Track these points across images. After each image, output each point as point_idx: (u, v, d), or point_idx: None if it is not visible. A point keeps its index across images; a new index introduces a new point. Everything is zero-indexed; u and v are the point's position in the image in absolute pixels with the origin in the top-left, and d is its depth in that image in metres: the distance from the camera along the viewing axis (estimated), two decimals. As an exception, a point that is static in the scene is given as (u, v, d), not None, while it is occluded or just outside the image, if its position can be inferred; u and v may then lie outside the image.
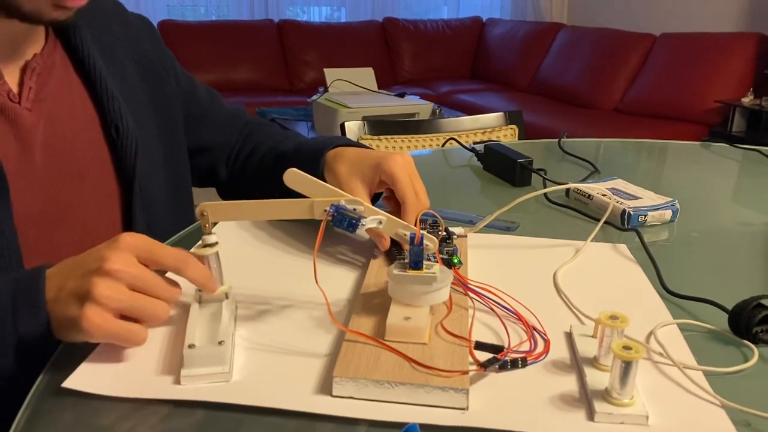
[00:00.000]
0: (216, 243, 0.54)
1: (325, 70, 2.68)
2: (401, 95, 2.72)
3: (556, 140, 1.19)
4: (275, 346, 0.52)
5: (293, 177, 0.58)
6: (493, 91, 4.03)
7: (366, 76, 2.72)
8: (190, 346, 0.47)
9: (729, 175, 1.10)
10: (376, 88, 2.71)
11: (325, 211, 0.54)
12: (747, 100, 2.83)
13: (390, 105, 2.46)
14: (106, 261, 0.46)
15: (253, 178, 0.86)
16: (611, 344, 0.46)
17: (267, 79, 3.97)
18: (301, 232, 0.73)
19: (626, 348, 0.44)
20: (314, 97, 2.61)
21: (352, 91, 2.62)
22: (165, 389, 0.46)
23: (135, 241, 0.48)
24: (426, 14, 4.77)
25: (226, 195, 0.92)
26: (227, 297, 0.55)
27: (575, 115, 3.35)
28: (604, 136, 2.88)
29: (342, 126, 1.25)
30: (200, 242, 0.55)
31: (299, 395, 0.46)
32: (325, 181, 0.68)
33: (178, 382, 0.46)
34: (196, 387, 0.46)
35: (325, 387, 0.46)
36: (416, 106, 2.52)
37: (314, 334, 0.53)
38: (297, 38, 4.10)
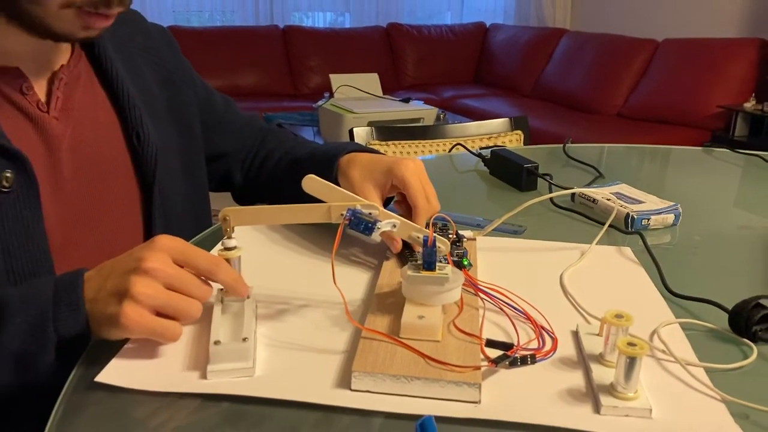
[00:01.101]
0: (237, 248, 0.57)
1: (330, 76, 2.71)
2: (406, 100, 2.75)
3: (561, 145, 1.21)
4: (295, 343, 0.54)
5: (311, 183, 0.60)
6: (496, 96, 4.06)
7: (371, 81, 2.74)
8: (216, 343, 0.50)
9: (730, 180, 1.12)
10: (381, 94, 2.74)
11: (342, 215, 0.57)
12: (749, 105, 2.86)
13: (395, 110, 2.48)
14: (143, 261, 0.49)
15: (267, 183, 0.88)
16: (616, 341, 0.48)
17: (272, 84, 4.01)
18: (315, 236, 0.75)
19: (631, 345, 0.46)
20: (320, 103, 2.64)
21: (357, 96, 2.65)
22: (192, 383, 0.48)
23: (171, 243, 0.51)
24: (430, 19, 4.81)
25: (240, 199, 0.95)
26: (248, 297, 0.57)
27: (578, 120, 3.38)
28: (607, 141, 2.91)
29: (351, 132, 1.28)
30: (221, 245, 0.57)
31: (319, 389, 0.48)
32: (338, 185, 0.71)
33: (204, 376, 0.49)
34: (221, 381, 0.49)
35: (344, 381, 0.49)
36: (421, 111, 2.55)
37: (332, 332, 0.56)
38: (302, 44, 4.14)
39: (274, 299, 0.61)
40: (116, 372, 0.49)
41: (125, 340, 0.52)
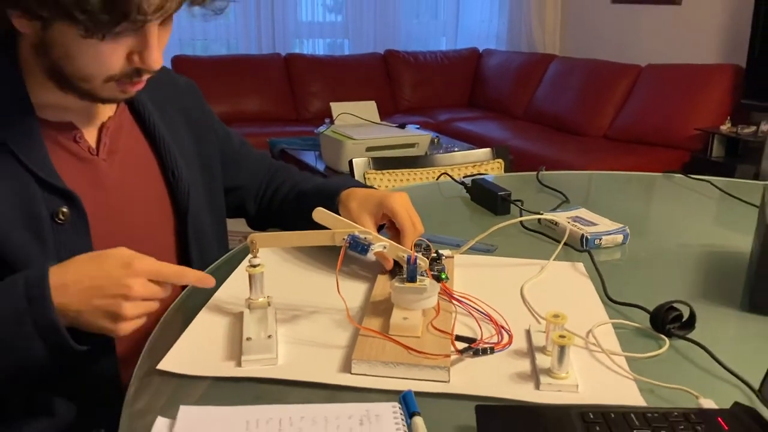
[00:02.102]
0: (261, 265, 0.72)
1: (331, 104, 2.87)
2: (402, 126, 2.91)
3: (535, 173, 1.37)
4: (307, 339, 0.70)
5: (319, 214, 0.76)
6: (489, 119, 4.23)
7: (369, 109, 2.91)
8: (248, 339, 0.65)
9: (679, 203, 1.28)
10: (378, 120, 2.90)
11: (344, 239, 0.73)
12: (725, 127, 3.02)
13: (391, 136, 2.64)
14: (130, 289, 0.64)
15: (278, 212, 1.04)
16: (552, 335, 0.64)
17: (275, 110, 4.18)
18: (322, 256, 0.91)
19: (561, 337, 0.62)
20: (321, 129, 2.80)
21: (356, 123, 2.81)
22: (231, 370, 0.64)
23: (146, 267, 0.66)
24: (425, 46, 5.00)
25: (254, 226, 1.10)
26: (269, 304, 0.73)
27: (567, 142, 3.54)
28: (594, 162, 3.08)
29: (350, 163, 1.44)
30: (248, 263, 0.73)
31: (327, 373, 0.63)
32: (339, 215, 0.86)
33: (239, 365, 0.64)
34: (252, 368, 0.64)
35: (346, 367, 0.64)
36: (416, 136, 2.70)
37: (336, 331, 0.71)
38: (303, 70, 4.32)
39: (289, 306, 0.76)
40: (172, 361, 0.65)
41: (174, 339, 0.68)
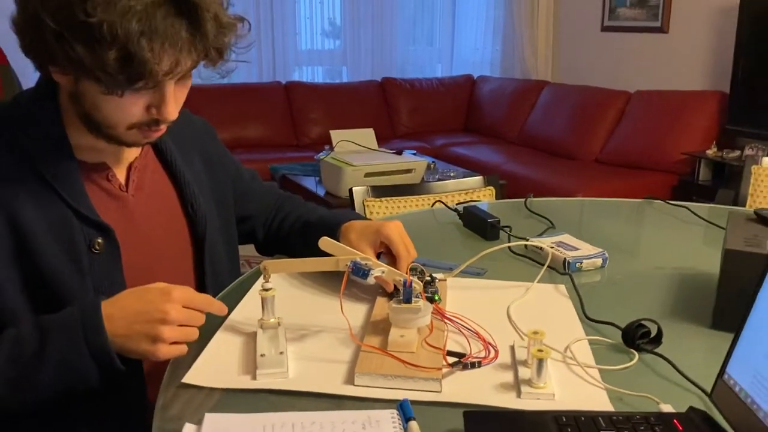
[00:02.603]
0: (273, 289, 0.81)
1: (330, 132, 2.97)
2: (399, 153, 3.02)
3: (524, 200, 1.46)
4: (314, 355, 0.78)
5: (325, 243, 0.85)
6: (484, 144, 4.34)
7: (367, 136, 3.01)
8: (262, 355, 0.74)
9: (658, 228, 1.37)
10: (376, 147, 3.00)
11: (347, 265, 0.81)
12: (711, 152, 3.13)
13: (389, 162, 2.73)
14: (167, 314, 0.73)
15: (285, 240, 1.13)
16: (531, 349, 0.72)
17: (275, 136, 4.29)
18: (327, 281, 0.99)
19: (540, 351, 0.70)
20: (321, 155, 2.90)
21: (355, 150, 2.91)
22: (247, 382, 0.72)
23: (181, 295, 0.75)
24: (421, 73, 5.13)
25: (262, 252, 1.19)
26: (280, 324, 0.81)
27: (559, 166, 3.65)
28: (585, 185, 3.18)
29: (351, 191, 1.53)
30: (260, 287, 0.81)
31: (333, 384, 0.71)
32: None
33: (254, 378, 0.72)
34: (266, 381, 0.72)
35: (350, 379, 0.72)
36: (412, 162, 2.80)
37: (339, 348, 0.79)
38: (303, 98, 4.44)
39: (298, 326, 0.85)
40: (195, 375, 0.73)
41: (194, 358, 0.76)
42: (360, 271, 0.81)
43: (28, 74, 3.86)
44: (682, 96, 3.47)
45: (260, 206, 1.16)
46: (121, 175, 0.90)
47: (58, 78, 0.78)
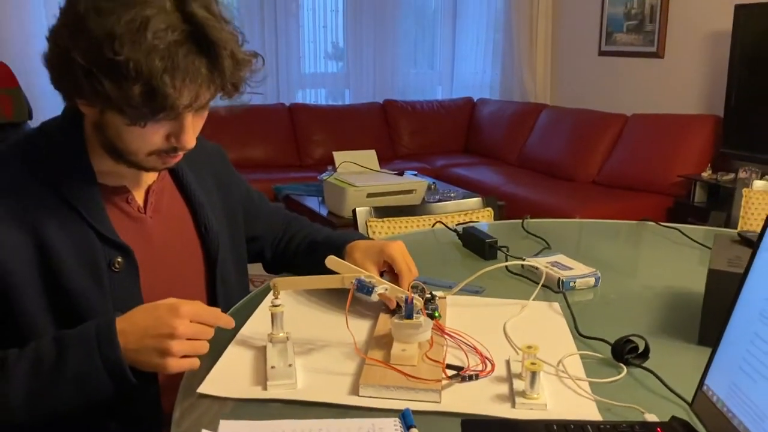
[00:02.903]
0: (282, 305, 0.86)
1: (334, 153, 3.04)
2: (400, 174, 3.08)
3: (521, 221, 1.52)
4: (321, 368, 0.83)
5: (332, 261, 0.90)
6: (484, 165, 4.40)
7: (369, 157, 3.08)
8: (272, 368, 0.79)
9: (650, 249, 1.42)
10: (378, 168, 3.06)
11: (352, 282, 0.86)
12: (706, 174, 3.19)
13: (390, 183, 2.79)
14: (176, 329, 0.77)
15: (292, 258, 1.18)
16: (525, 362, 0.77)
17: (279, 157, 4.36)
18: (332, 298, 1.04)
19: (533, 364, 0.75)
20: (324, 176, 2.96)
21: (357, 171, 2.97)
22: (258, 393, 0.76)
23: (190, 309, 0.79)
24: (422, 95, 5.23)
25: (270, 270, 1.24)
26: (288, 339, 0.86)
27: (557, 187, 3.71)
28: (583, 207, 3.23)
29: (354, 212, 1.58)
30: (270, 303, 0.86)
31: (339, 395, 0.76)
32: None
33: (265, 388, 0.77)
34: (276, 391, 0.77)
35: (354, 390, 0.77)
36: (413, 183, 2.86)
37: (345, 361, 0.84)
38: (306, 119, 4.52)
39: (305, 340, 0.89)
40: (209, 386, 0.77)
41: (208, 370, 0.80)
42: (364, 288, 0.86)
43: (36, 96, 3.95)
44: (677, 119, 3.54)
45: (268, 226, 1.21)
46: (139, 197, 0.96)
47: (84, 109, 0.83)
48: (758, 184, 1.99)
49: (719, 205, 2.98)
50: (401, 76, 5.14)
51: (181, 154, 0.89)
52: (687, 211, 3.06)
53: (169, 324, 0.77)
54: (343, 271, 0.90)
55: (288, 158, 4.42)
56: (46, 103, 4.12)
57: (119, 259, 0.88)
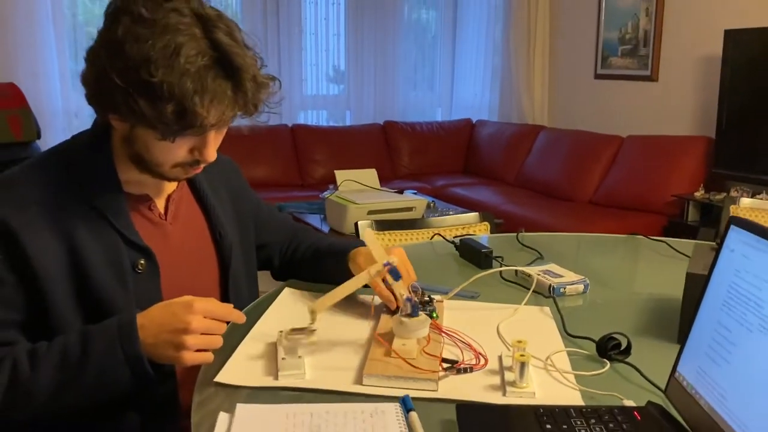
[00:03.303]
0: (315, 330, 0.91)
1: (335, 172, 3.12)
2: (400, 192, 3.16)
3: (515, 234, 1.59)
4: (328, 361, 0.90)
5: (368, 234, 0.99)
6: (483, 185, 4.49)
7: (370, 176, 3.16)
8: (283, 359, 0.86)
9: (637, 261, 1.49)
10: (378, 186, 3.14)
11: (378, 271, 0.94)
12: (699, 194, 3.27)
13: (391, 201, 2.87)
14: (189, 324, 0.83)
15: (298, 266, 1.25)
16: (515, 354, 0.84)
17: (282, 176, 4.45)
18: (338, 302, 1.11)
19: (522, 355, 0.82)
20: (326, 194, 3.04)
21: (358, 189, 3.05)
22: (270, 382, 0.83)
23: (202, 306, 0.85)
24: (422, 117, 5.33)
25: (277, 277, 1.31)
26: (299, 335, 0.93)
27: (555, 207, 3.78)
28: (580, 225, 3.30)
29: (356, 225, 1.65)
30: (307, 328, 0.91)
31: (344, 383, 0.83)
32: (349, 270, 1.08)
33: (276, 378, 0.84)
34: (287, 381, 0.84)
35: (359, 379, 0.84)
36: (413, 201, 2.94)
37: (349, 355, 0.91)
38: (308, 140, 4.62)
39: (311, 338, 0.96)
40: (225, 375, 0.84)
41: (224, 362, 0.87)
42: (395, 273, 0.94)
43: (43, 116, 4.05)
44: (671, 141, 3.63)
45: (276, 235, 1.28)
46: (160, 205, 1.03)
47: (116, 124, 0.91)
48: (745, 201, 2.07)
49: (711, 223, 3.05)
50: (401, 98, 5.26)
51: (202, 166, 0.96)
52: (681, 230, 3.13)
53: (184, 319, 0.83)
54: (373, 243, 0.99)
55: (290, 178, 4.51)
56: (53, 123, 4.23)
57: (142, 261, 0.96)
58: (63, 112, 4.27)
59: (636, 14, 4.00)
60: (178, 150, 0.91)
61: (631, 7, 4.03)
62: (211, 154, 0.93)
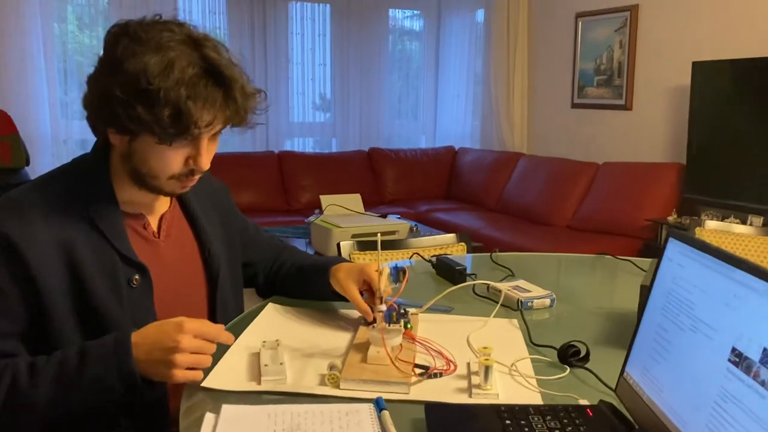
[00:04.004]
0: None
1: (320, 197, 3.20)
2: (384, 216, 3.24)
3: (490, 254, 1.67)
4: (308, 367, 0.96)
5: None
6: (465, 210, 4.59)
7: (354, 201, 3.24)
8: (266, 365, 0.92)
9: (604, 278, 1.57)
10: (363, 211, 3.22)
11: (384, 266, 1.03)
12: (672, 218, 3.39)
13: (374, 225, 2.95)
14: (179, 343, 0.88)
15: (282, 283, 1.31)
16: (480, 359, 0.91)
17: (268, 201, 4.52)
18: (317, 313, 1.18)
19: (486, 359, 0.89)
20: (311, 218, 3.11)
21: (343, 213, 3.13)
22: (254, 386, 0.90)
23: (192, 326, 0.90)
24: (407, 144, 5.46)
25: (262, 294, 1.37)
26: (279, 344, 0.99)
27: (534, 231, 3.88)
28: (558, 249, 3.39)
29: (338, 246, 1.73)
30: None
31: (323, 388, 0.89)
32: (331, 285, 1.15)
33: (259, 383, 0.90)
34: (269, 385, 0.90)
35: (337, 383, 0.90)
36: (396, 225, 3.02)
37: (327, 360, 0.97)
38: (294, 166, 4.71)
39: (294, 348, 1.03)
40: (212, 380, 0.91)
41: (210, 369, 0.93)
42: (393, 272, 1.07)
43: (32, 143, 4.11)
44: (645, 167, 3.76)
45: (262, 254, 1.35)
46: (154, 224, 1.10)
47: (114, 139, 0.98)
48: (710, 224, 2.18)
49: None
50: (386, 126, 5.38)
51: (197, 177, 1.03)
52: (655, 253, 3.23)
53: (174, 338, 0.88)
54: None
55: (277, 203, 4.58)
56: (42, 149, 4.29)
57: (137, 277, 1.02)
58: (52, 139, 4.33)
59: (610, 46, 4.16)
60: (174, 159, 0.98)
61: (606, 39, 4.19)
62: (205, 163, 1.00)
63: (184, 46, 0.93)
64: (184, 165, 1.00)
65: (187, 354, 0.88)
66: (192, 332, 0.89)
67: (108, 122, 0.95)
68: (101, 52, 0.96)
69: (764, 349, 0.59)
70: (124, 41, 0.92)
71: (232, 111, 0.97)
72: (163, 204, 1.11)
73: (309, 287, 1.25)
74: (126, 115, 0.91)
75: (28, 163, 3.94)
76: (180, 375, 0.87)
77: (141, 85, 0.89)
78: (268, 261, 1.36)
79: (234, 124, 1.01)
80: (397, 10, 5.45)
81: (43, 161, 4.23)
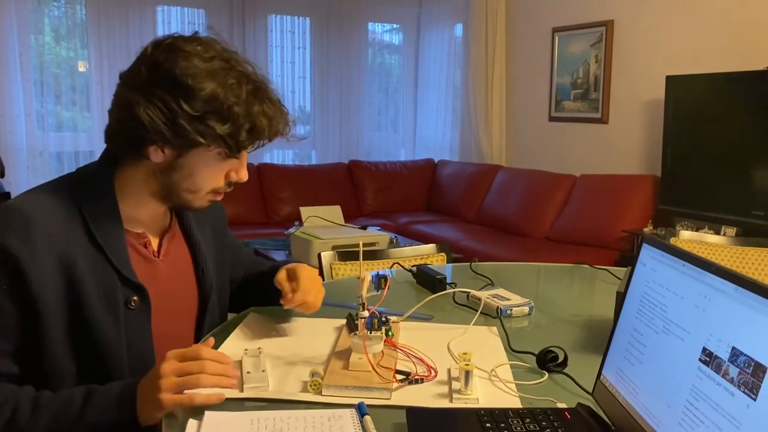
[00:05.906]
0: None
1: (300, 208, 3.20)
2: (364, 228, 3.26)
3: (469, 263, 1.69)
4: (289, 374, 0.96)
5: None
6: (444, 222, 4.62)
7: (335, 212, 3.25)
8: (248, 372, 0.92)
9: (581, 287, 1.60)
10: (343, 222, 3.23)
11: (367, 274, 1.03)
12: (647, 229, 3.45)
13: (354, 236, 2.96)
14: (160, 369, 0.85)
15: (237, 294, 1.30)
16: (460, 364, 0.92)
17: (247, 214, 4.50)
18: (295, 323, 1.18)
19: (466, 364, 0.91)
20: (291, 230, 3.11)
21: (323, 225, 3.14)
22: (237, 393, 0.90)
23: (171, 352, 0.87)
24: (386, 156, 5.49)
25: (231, 309, 1.34)
26: (261, 351, 1.00)
27: (512, 243, 3.92)
28: (536, 260, 3.43)
29: (319, 256, 1.73)
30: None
31: (305, 394, 0.90)
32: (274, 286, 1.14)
33: (242, 390, 0.90)
34: (251, 392, 0.90)
35: (318, 390, 0.91)
36: (376, 236, 3.04)
37: (309, 367, 0.98)
38: (273, 178, 4.70)
39: (275, 355, 1.03)
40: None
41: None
42: (376, 280, 1.06)
43: (7, 155, 4.05)
44: (621, 180, 3.83)
45: (242, 270, 1.35)
46: (154, 243, 1.09)
47: (156, 156, 0.97)
48: (684, 234, 2.23)
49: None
50: (366, 138, 5.41)
51: (229, 190, 1.07)
52: (631, 263, 3.28)
53: (156, 368, 0.87)
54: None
55: (256, 216, 4.56)
56: (17, 161, 4.23)
57: (135, 298, 1.00)
58: (28, 151, 4.27)
59: (587, 60, 4.25)
60: (219, 173, 1.02)
61: (582, 54, 4.28)
62: (246, 174, 1.05)
63: (235, 63, 1.00)
64: (225, 178, 1.04)
65: (170, 377, 0.85)
66: (172, 357, 0.88)
67: (161, 138, 0.95)
68: (142, 70, 0.96)
69: (733, 348, 0.61)
70: (180, 59, 0.95)
71: (285, 122, 1.03)
72: (165, 221, 1.11)
73: (257, 293, 1.27)
74: (197, 130, 0.94)
75: (3, 174, 3.88)
76: (167, 398, 0.85)
77: (218, 101, 0.94)
78: (240, 277, 1.35)
79: (283, 134, 1.06)
80: (376, 24, 5.50)
81: (18, 173, 4.17)
